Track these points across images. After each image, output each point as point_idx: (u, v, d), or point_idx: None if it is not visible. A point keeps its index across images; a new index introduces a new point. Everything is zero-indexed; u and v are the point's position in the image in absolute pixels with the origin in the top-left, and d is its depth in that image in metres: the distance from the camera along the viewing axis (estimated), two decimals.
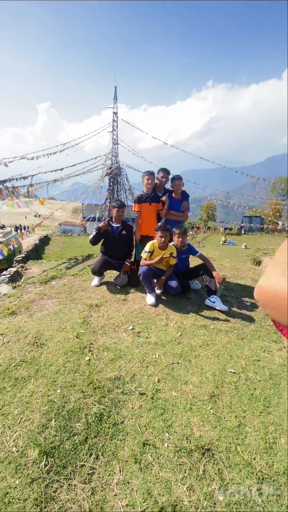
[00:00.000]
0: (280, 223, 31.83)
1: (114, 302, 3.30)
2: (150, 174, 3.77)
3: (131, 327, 2.81)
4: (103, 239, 3.68)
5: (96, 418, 1.81)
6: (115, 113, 30.30)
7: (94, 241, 3.57)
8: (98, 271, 3.67)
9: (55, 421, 1.78)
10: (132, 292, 3.59)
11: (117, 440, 1.71)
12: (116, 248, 3.69)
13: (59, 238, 21.91)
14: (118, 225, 3.68)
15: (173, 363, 2.37)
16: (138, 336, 2.70)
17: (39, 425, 1.75)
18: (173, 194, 3.96)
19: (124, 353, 2.44)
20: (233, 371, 2.32)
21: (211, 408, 1.95)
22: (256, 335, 2.91)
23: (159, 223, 3.67)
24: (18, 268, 4.93)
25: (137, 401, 1.97)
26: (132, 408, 1.92)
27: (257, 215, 31.00)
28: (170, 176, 4.02)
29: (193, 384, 2.16)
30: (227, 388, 2.15)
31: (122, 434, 1.74)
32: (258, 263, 6.36)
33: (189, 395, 2.05)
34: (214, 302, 3.33)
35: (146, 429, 1.78)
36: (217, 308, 3.29)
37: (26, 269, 5.04)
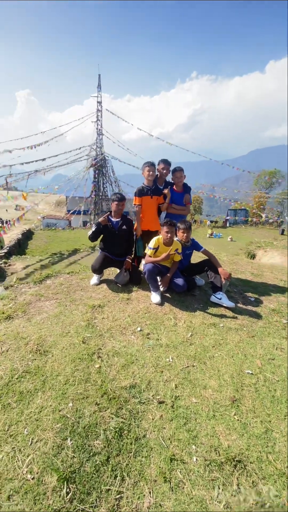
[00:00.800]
0: (263, 215, 32.60)
1: (118, 302, 3.12)
2: (151, 165, 3.56)
3: (139, 329, 2.66)
4: (102, 235, 3.46)
5: (116, 434, 1.66)
6: (99, 103, 29.32)
7: (93, 237, 3.35)
8: (99, 269, 3.46)
9: (71, 440, 1.61)
10: (135, 290, 3.42)
11: (142, 457, 1.57)
12: (117, 244, 3.49)
13: (42, 232, 21.17)
14: (118, 219, 3.47)
15: (188, 366, 2.25)
16: (147, 338, 2.55)
17: (53, 446, 1.58)
18: (174, 187, 3.79)
19: (136, 357, 2.28)
20: (250, 372, 2.24)
21: (235, 414, 1.86)
22: (266, 332, 2.85)
23: (165, 218, 3.50)
24: (1, 264, 4.62)
25: (157, 411, 1.84)
26: (153, 419, 1.78)
27: (242, 208, 31.51)
28: (171, 168, 3.83)
29: (212, 389, 2.05)
30: (247, 391, 2.06)
31: (146, 449, 1.60)
32: (253, 256, 6.39)
33: (210, 401, 1.94)
34: (220, 299, 3.24)
35: (170, 442, 1.65)
36: (224, 305, 3.21)
37: (9, 265, 4.72)
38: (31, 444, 1.60)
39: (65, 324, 2.65)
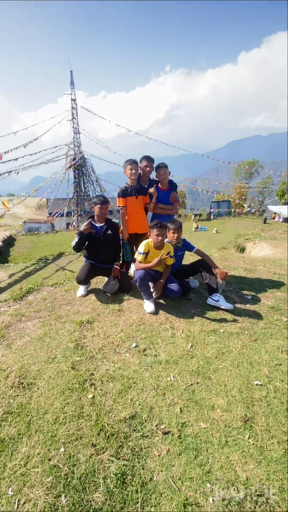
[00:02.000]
0: (245, 205, 33.10)
1: (108, 315, 2.86)
2: (133, 163, 3.30)
3: (134, 345, 2.42)
4: (86, 242, 3.17)
5: (118, 481, 1.42)
6: (74, 100, 28.45)
7: (77, 248, 3.06)
8: (85, 280, 3.18)
9: (65, 497, 1.35)
10: (126, 299, 3.17)
11: (151, 506, 1.34)
12: (103, 251, 3.22)
13: (25, 238, 20.40)
14: (102, 224, 3.19)
15: (192, 384, 2.04)
16: (144, 355, 2.31)
17: (45, 507, 1.32)
18: (159, 185, 3.55)
19: (133, 380, 2.04)
20: (259, 383, 2.06)
21: (249, 437, 1.66)
22: (268, 334, 2.69)
23: (153, 219, 3.27)
24: None
25: (163, 445, 1.61)
26: (159, 455, 1.56)
27: (225, 199, 31.81)
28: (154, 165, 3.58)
29: (221, 408, 1.85)
30: (258, 407, 1.87)
31: (155, 496, 1.38)
32: (242, 249, 6.29)
33: (220, 424, 1.74)
34: (217, 301, 3.05)
35: (182, 482, 1.44)
36: (222, 307, 3.02)
37: None
38: (17, 507, 1.33)
39: (50, 348, 2.37)
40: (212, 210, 29.16)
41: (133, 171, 3.28)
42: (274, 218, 28.13)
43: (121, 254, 3.46)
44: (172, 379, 2.08)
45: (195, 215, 29.43)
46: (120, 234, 3.40)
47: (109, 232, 3.19)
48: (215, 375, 2.13)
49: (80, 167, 29.82)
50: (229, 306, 3.00)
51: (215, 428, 1.72)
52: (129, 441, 1.62)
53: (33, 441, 1.62)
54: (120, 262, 3.41)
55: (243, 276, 4.19)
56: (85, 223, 3.00)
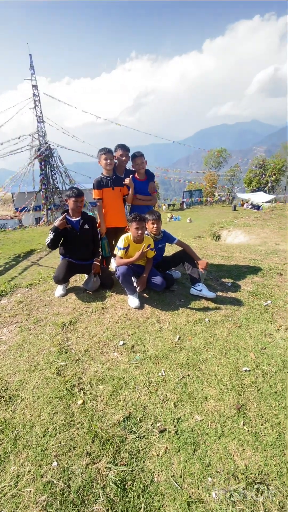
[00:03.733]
0: (216, 194, 34.00)
1: (92, 314, 2.73)
2: (108, 152, 3.12)
3: (121, 342, 2.34)
4: (62, 239, 2.98)
5: (118, 488, 1.36)
6: (35, 86, 26.61)
7: (52, 245, 2.85)
8: (63, 279, 2.99)
9: None
10: (109, 295, 3.06)
11: (155, 509, 1.30)
12: (80, 247, 3.04)
13: None
14: (77, 218, 3.00)
15: (183, 377, 2.02)
16: (133, 352, 2.25)
17: None
18: (136, 175, 3.42)
19: (124, 380, 1.97)
20: (247, 369, 2.10)
21: (243, 424, 1.69)
22: (250, 319, 2.76)
23: (131, 211, 3.14)
24: None
25: (160, 443, 1.58)
26: (158, 455, 1.52)
27: (197, 189, 32.35)
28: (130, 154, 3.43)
29: (214, 399, 1.85)
30: (249, 393, 1.91)
31: (158, 498, 1.34)
32: (218, 237, 6.42)
33: (215, 415, 1.74)
34: (200, 291, 3.06)
35: (183, 480, 1.41)
36: (205, 296, 3.04)
37: None
38: None
39: (31, 355, 2.20)
40: (185, 200, 29.56)
41: (108, 161, 3.11)
42: (243, 205, 29.30)
43: (100, 249, 3.32)
44: (163, 374, 2.04)
45: (169, 205, 29.66)
46: (98, 229, 3.24)
47: (86, 226, 3.02)
48: (205, 365, 2.13)
49: (46, 158, 28.30)
50: (211, 295, 3.03)
51: (210, 419, 1.72)
52: (126, 445, 1.55)
53: (21, 458, 1.49)
54: (100, 257, 3.26)
55: (221, 263, 4.26)
56: (60, 218, 2.80)
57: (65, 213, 2.92)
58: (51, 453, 1.50)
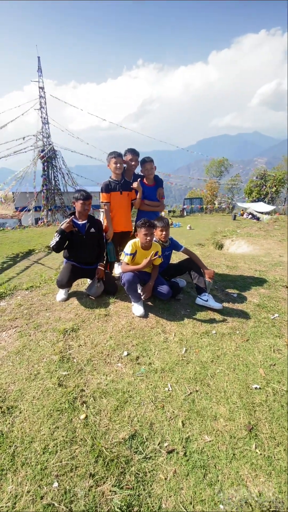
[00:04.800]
0: (216, 202, 34.21)
1: (94, 321, 2.64)
2: (118, 156, 3.07)
3: (125, 353, 2.24)
4: (67, 242, 2.89)
5: None
6: (42, 88, 26.80)
7: (57, 248, 2.76)
8: (67, 283, 2.90)
9: None
10: (112, 302, 2.97)
11: None
12: (85, 250, 2.96)
13: None
14: (84, 221, 2.93)
15: (191, 392, 1.92)
16: (138, 363, 2.15)
17: None
18: (145, 180, 3.37)
19: (129, 394, 1.87)
20: (257, 386, 2.01)
21: (256, 447, 1.59)
22: (258, 333, 2.68)
23: (138, 217, 3.08)
24: None
25: (168, 466, 1.48)
26: (166, 478, 1.42)
27: (197, 197, 32.54)
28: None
29: (224, 418, 1.76)
30: (260, 412, 1.82)
31: None
32: (221, 246, 6.37)
33: (225, 435, 1.65)
34: (206, 301, 2.98)
35: (193, 507, 1.31)
36: (211, 307, 2.96)
37: None
38: None
39: (32, 362, 2.10)
40: (185, 207, 29.66)
41: (118, 164, 3.06)
42: (242, 215, 29.46)
43: (105, 254, 3.24)
44: (170, 389, 1.94)
45: (169, 211, 29.73)
46: (104, 233, 3.17)
47: (92, 230, 2.95)
48: (213, 381, 2.04)
49: (49, 159, 28.35)
50: (218, 305, 2.95)
51: (221, 441, 1.62)
52: (131, 466, 1.45)
53: (19, 477, 1.38)
54: (104, 262, 3.18)
55: (226, 273, 4.20)
56: (67, 221, 2.72)
57: (72, 216, 2.84)
58: (52, 473, 1.40)
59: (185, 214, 29.01)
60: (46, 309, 2.84)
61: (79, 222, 2.90)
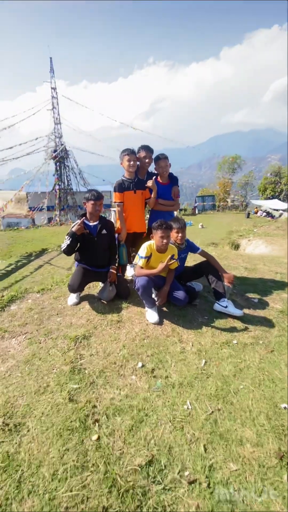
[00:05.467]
0: (229, 200, 33.49)
1: (107, 327, 2.50)
2: (131, 153, 2.91)
3: (140, 364, 2.09)
4: (78, 245, 2.77)
5: None
6: (54, 89, 27.00)
7: (69, 251, 2.64)
8: (78, 288, 2.78)
9: None
10: (125, 307, 2.82)
11: None
12: (97, 253, 2.83)
13: (3, 234, 19.36)
14: (95, 223, 2.79)
15: (212, 411, 1.75)
16: (153, 377, 1.99)
17: None
18: (159, 178, 3.20)
19: (144, 412, 1.72)
20: (286, 406, 1.81)
21: None
22: (283, 343, 2.46)
23: (152, 217, 2.92)
24: None
25: (190, 499, 1.31)
26: None
27: (210, 194, 31.99)
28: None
29: (250, 442, 1.57)
30: None
31: None
32: (237, 246, 6.12)
33: (253, 464, 1.47)
34: (226, 307, 2.78)
35: None
36: (231, 313, 2.76)
37: None
38: None
39: (41, 373, 1.98)
40: (196, 205, 29.21)
41: (131, 162, 2.90)
42: (256, 213, 28.68)
43: (117, 256, 3.09)
44: (190, 406, 1.78)
45: (180, 209, 29.38)
46: (116, 234, 3.03)
47: (104, 231, 2.80)
48: (237, 399, 1.86)
49: (62, 159, 28.58)
50: (238, 312, 2.75)
51: (248, 470, 1.44)
52: (149, 498, 1.30)
53: (26, 507, 1.25)
54: (116, 265, 3.04)
55: (245, 276, 3.97)
56: (78, 223, 2.59)
57: (83, 217, 2.71)
58: (61, 504, 1.26)
59: (196, 212, 28.56)
60: (57, 314, 2.73)
61: (91, 224, 2.77)
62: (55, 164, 27.93)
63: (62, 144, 27.78)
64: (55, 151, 27.23)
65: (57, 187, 28.42)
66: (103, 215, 2.96)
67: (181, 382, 1.94)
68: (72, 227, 2.61)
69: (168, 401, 1.81)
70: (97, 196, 2.67)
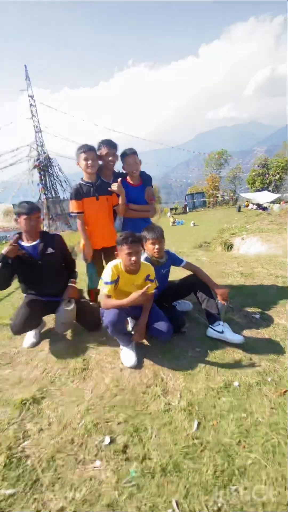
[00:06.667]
0: (219, 195, 33.23)
1: (68, 380, 1.91)
2: (89, 149, 2.33)
3: (107, 440, 1.50)
4: (16, 273, 2.17)
5: None
6: (31, 97, 26.40)
7: (2, 283, 2.05)
8: (25, 327, 2.17)
9: None
10: (93, 346, 2.22)
11: None
12: (45, 279, 2.21)
13: None
14: (35, 242, 2.17)
15: None
16: (125, 460, 1.41)
17: None
18: (128, 179, 2.63)
19: None
20: None
21: None
22: None
23: (120, 227, 2.35)
24: None
25: None
26: None
27: (199, 191, 31.70)
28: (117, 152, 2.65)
29: None
30: None
31: None
32: (230, 246, 5.59)
33: None
34: (222, 333, 2.22)
35: None
36: (229, 340, 2.20)
37: None
38: None
39: None
40: (187, 203, 28.90)
41: (90, 161, 2.33)
42: (247, 206, 28.41)
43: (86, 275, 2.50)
44: (177, 510, 1.19)
45: (171, 209, 28.94)
46: (78, 252, 2.44)
47: (50, 250, 2.19)
48: (245, 483, 1.28)
49: (45, 168, 27.93)
50: (238, 339, 2.18)
51: None
52: None
53: None
54: (77, 281, 2.45)
55: (241, 283, 3.42)
56: (11, 241, 1.98)
57: (17, 235, 2.10)
58: None
59: (187, 210, 28.21)
60: (7, 363, 2.12)
61: (28, 244, 2.15)
62: (39, 173, 27.28)
63: (44, 153, 27.15)
64: (37, 159, 26.58)
65: (43, 196, 27.77)
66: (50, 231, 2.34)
67: (164, 467, 1.36)
68: (3, 249, 1.98)
69: (145, 504, 1.22)
70: (30, 208, 2.06)
